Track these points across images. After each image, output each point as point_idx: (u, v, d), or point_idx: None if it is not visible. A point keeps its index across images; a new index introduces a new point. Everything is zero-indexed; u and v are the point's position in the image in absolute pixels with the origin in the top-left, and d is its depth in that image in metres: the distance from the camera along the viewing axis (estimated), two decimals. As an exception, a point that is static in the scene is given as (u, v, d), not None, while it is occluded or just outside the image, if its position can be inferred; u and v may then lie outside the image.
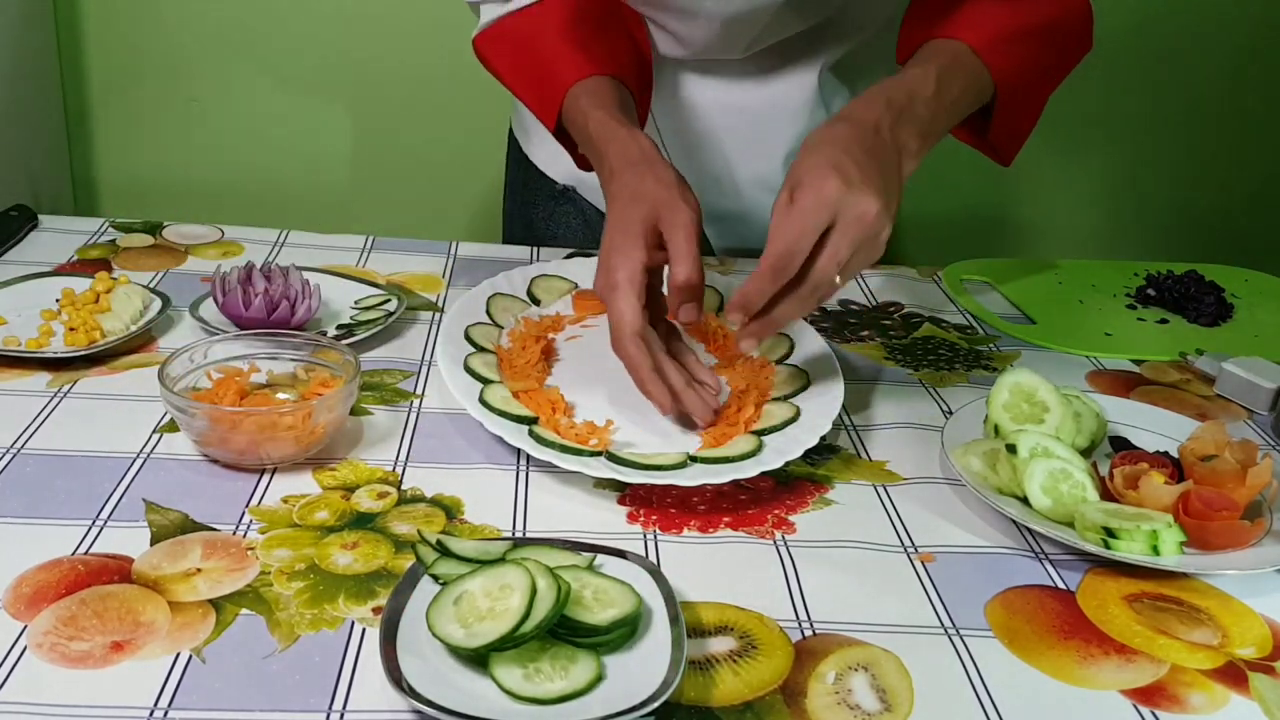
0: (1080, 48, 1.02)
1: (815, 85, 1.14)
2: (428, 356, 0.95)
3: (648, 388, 0.82)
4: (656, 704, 0.56)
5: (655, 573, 0.66)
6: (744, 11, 1.04)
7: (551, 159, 1.24)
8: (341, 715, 0.57)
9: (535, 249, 1.20)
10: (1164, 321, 1.15)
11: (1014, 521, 0.77)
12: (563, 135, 0.99)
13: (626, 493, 0.78)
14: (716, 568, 0.71)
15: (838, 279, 0.78)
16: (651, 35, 1.13)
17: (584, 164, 1.01)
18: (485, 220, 1.90)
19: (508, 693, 0.57)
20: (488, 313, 0.95)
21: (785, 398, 0.87)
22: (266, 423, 0.74)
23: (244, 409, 0.75)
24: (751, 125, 1.17)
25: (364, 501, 0.75)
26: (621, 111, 0.93)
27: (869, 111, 0.84)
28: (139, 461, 0.77)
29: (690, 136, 1.18)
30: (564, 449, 0.77)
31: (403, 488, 0.77)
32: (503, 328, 0.94)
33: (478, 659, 0.59)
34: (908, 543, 0.75)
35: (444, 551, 0.66)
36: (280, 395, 0.83)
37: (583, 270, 1.03)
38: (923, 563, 0.73)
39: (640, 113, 1.03)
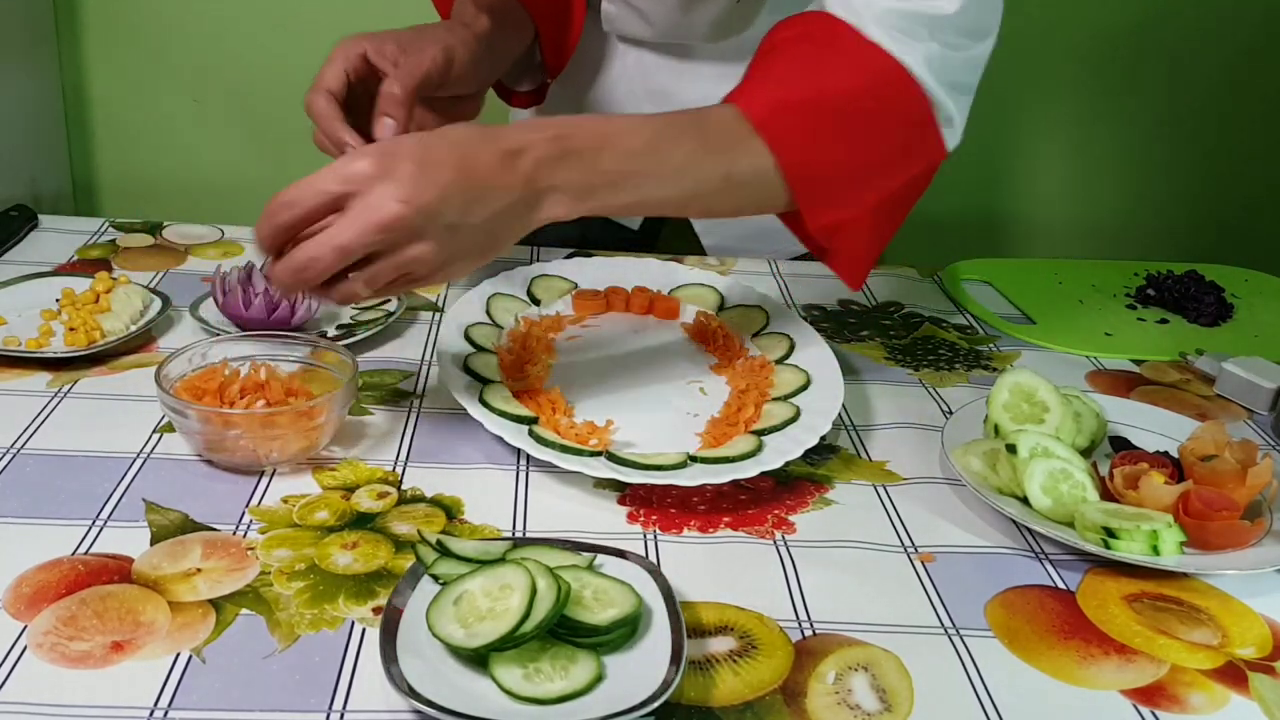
0: (916, 144, 0.83)
1: None
2: (428, 356, 0.95)
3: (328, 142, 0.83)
4: (656, 704, 0.56)
5: (655, 573, 0.66)
6: None
7: None
8: (341, 715, 0.57)
9: (535, 249, 1.20)
10: (1164, 321, 1.15)
11: (1014, 521, 0.77)
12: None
13: (626, 493, 0.78)
14: (716, 568, 0.71)
15: (356, 282, 0.69)
16: (620, 15, 1.11)
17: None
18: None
19: (508, 693, 0.57)
20: (488, 313, 0.95)
21: (785, 398, 0.87)
22: (262, 425, 0.74)
23: (238, 411, 0.75)
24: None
25: (364, 501, 0.75)
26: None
27: (525, 134, 0.72)
28: (139, 461, 0.77)
29: None
30: (564, 449, 0.77)
31: (403, 488, 0.77)
32: (503, 328, 0.94)
33: (478, 659, 0.59)
34: (908, 543, 0.75)
35: (444, 551, 0.66)
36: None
37: (583, 270, 1.04)
38: (923, 563, 0.73)
39: (550, 46, 1.05)
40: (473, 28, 0.94)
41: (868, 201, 0.84)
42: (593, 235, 1.22)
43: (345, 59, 0.86)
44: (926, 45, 0.79)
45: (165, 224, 1.19)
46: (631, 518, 0.75)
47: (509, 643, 0.58)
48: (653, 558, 0.71)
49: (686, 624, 0.63)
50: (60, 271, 1.05)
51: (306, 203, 0.67)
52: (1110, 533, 0.72)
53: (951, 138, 0.84)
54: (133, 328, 0.92)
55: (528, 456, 0.80)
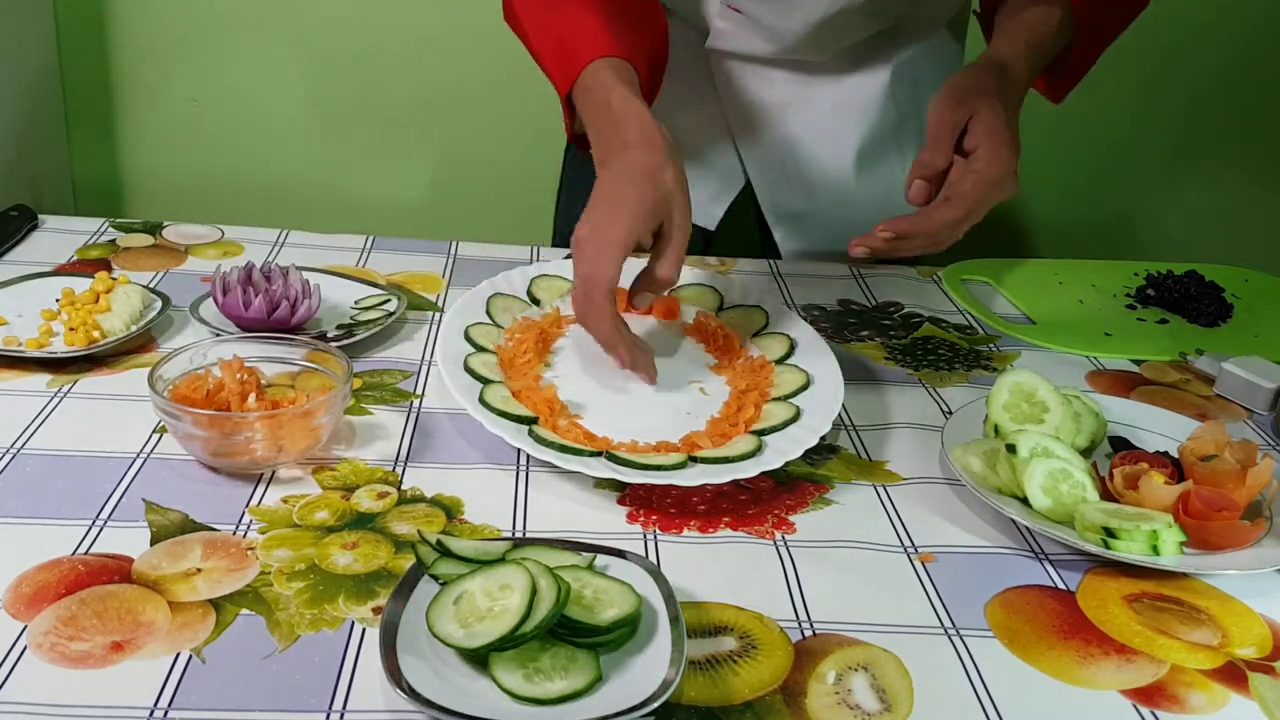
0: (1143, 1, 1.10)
1: (886, 83, 1.16)
2: (428, 356, 0.95)
3: (613, 344, 0.85)
4: (656, 704, 0.56)
5: (655, 573, 0.66)
6: (837, 9, 1.07)
7: None
8: (341, 715, 0.57)
9: (535, 249, 1.20)
10: (1164, 321, 1.15)
11: (1014, 521, 0.77)
12: (569, 108, 0.98)
13: (626, 493, 0.78)
14: (716, 568, 0.71)
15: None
16: (734, 33, 1.13)
17: (579, 142, 1.01)
18: (485, 219, 1.90)
19: (508, 693, 0.57)
20: (488, 313, 0.95)
21: (785, 398, 0.87)
22: (254, 429, 0.74)
23: (232, 414, 0.75)
24: (822, 124, 1.18)
25: (364, 501, 0.75)
26: (639, 94, 0.93)
27: (1021, 69, 0.96)
28: (139, 461, 0.77)
29: (763, 135, 1.19)
30: (564, 449, 0.77)
31: (403, 488, 0.77)
32: (503, 328, 0.94)
33: (478, 659, 0.59)
34: (908, 543, 0.75)
35: (444, 551, 0.66)
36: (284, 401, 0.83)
37: (583, 270, 1.03)
38: (923, 563, 0.73)
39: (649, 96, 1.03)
40: (656, 142, 0.89)
41: (1109, 41, 1.10)
42: None
43: (624, 247, 0.82)
44: None
45: (165, 224, 1.19)
46: (631, 518, 0.75)
47: (509, 643, 0.58)
48: (653, 558, 0.71)
49: (686, 624, 0.63)
50: (60, 271, 1.05)
51: (988, 205, 0.92)
52: (1110, 533, 0.72)
53: None
54: (133, 328, 0.92)
55: (528, 456, 0.80)
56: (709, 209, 1.25)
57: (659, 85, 1.07)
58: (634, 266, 1.05)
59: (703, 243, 1.29)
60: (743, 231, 1.31)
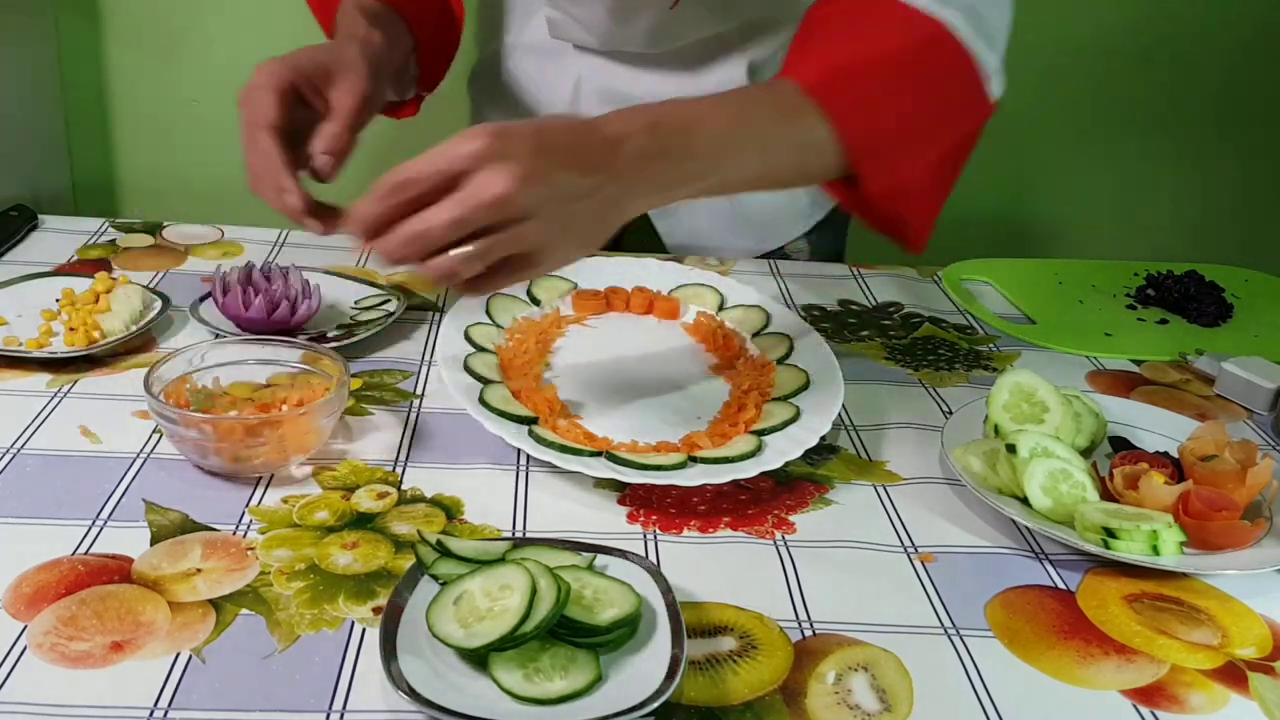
0: (967, 101, 0.84)
1: (744, 79, 1.14)
2: (428, 356, 0.95)
3: (262, 187, 0.83)
4: (656, 704, 0.56)
5: (655, 573, 0.66)
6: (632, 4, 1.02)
7: None
8: (341, 715, 0.57)
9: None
10: (1164, 321, 1.15)
11: (1014, 521, 0.77)
12: None
13: (626, 493, 0.78)
14: (716, 568, 0.71)
15: (469, 251, 0.68)
16: (562, 22, 1.13)
17: None
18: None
19: (508, 693, 0.57)
20: (488, 313, 0.95)
21: (785, 398, 0.87)
22: (247, 433, 0.74)
23: (223, 417, 0.75)
24: None
25: (364, 501, 0.75)
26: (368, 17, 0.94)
27: (617, 123, 0.72)
28: (139, 461, 0.77)
29: None
30: (564, 449, 0.77)
31: (403, 488, 0.77)
32: (503, 328, 0.94)
33: (478, 659, 0.59)
34: (908, 543, 0.75)
35: (444, 551, 0.66)
36: (281, 403, 0.83)
37: (583, 270, 1.03)
38: (923, 563, 0.73)
39: (427, 60, 1.05)
40: (369, 43, 0.93)
41: (925, 162, 0.85)
42: None
43: (276, 88, 0.83)
44: (961, 4, 0.82)
45: (165, 224, 1.19)
46: (631, 518, 0.75)
47: (509, 643, 0.58)
48: (653, 558, 0.71)
49: (686, 624, 0.63)
50: (60, 271, 1.05)
51: (422, 182, 0.67)
52: (1110, 533, 0.72)
53: (996, 90, 0.85)
54: (133, 328, 0.92)
55: (528, 456, 0.80)
56: None
57: (443, 39, 1.07)
58: (636, 267, 1.05)
59: (611, 242, 1.27)
60: (641, 228, 1.29)
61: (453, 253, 0.68)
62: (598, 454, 0.78)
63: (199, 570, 0.67)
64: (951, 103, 0.85)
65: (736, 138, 0.76)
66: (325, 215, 0.84)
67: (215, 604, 0.64)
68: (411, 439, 0.83)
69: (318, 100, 0.88)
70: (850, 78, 0.79)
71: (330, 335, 0.95)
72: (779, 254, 1.26)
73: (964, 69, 0.82)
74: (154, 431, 0.80)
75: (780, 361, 0.93)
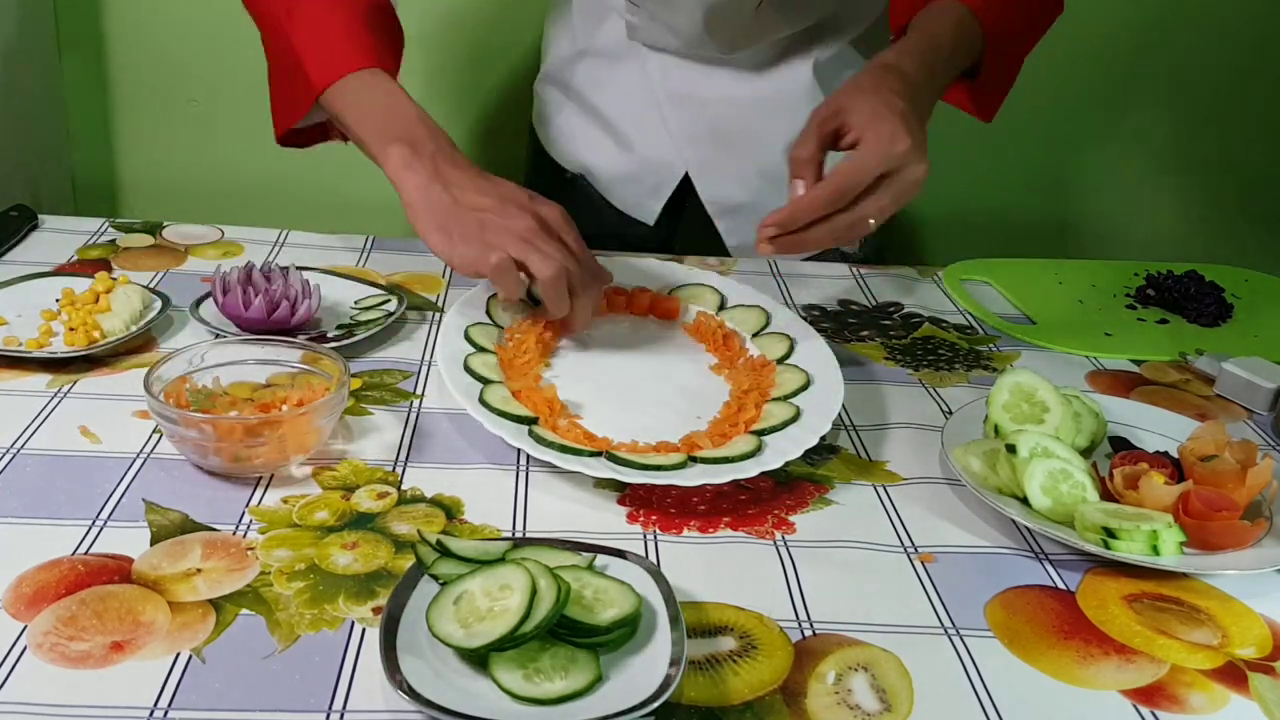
0: (1055, 6, 1.10)
1: (811, 78, 1.18)
2: (428, 356, 0.95)
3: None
4: (656, 704, 0.56)
5: (655, 573, 0.66)
6: (722, 3, 1.07)
7: (562, 144, 1.27)
8: (341, 715, 0.57)
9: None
10: (1164, 321, 1.15)
11: (1014, 521, 0.77)
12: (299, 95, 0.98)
13: (626, 493, 0.78)
14: (716, 568, 0.71)
15: (872, 222, 0.86)
16: (645, 26, 1.16)
17: (295, 137, 1.05)
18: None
19: (508, 693, 0.57)
20: (488, 313, 0.95)
21: (785, 398, 0.87)
22: (248, 433, 0.74)
23: (223, 417, 0.75)
24: (753, 117, 1.20)
25: (364, 501, 0.75)
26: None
27: (912, 66, 0.91)
28: (139, 461, 0.77)
29: (697, 129, 1.21)
30: (564, 449, 0.77)
31: (403, 488, 0.77)
32: (503, 328, 0.94)
33: (478, 659, 0.59)
34: (908, 543, 0.75)
35: (444, 551, 0.66)
36: (281, 403, 0.83)
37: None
38: (923, 563, 0.73)
39: None
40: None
41: (1023, 58, 1.09)
42: (604, 224, 1.26)
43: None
44: None
45: (165, 224, 1.19)
46: (631, 518, 0.75)
47: (509, 643, 0.58)
48: (653, 558, 0.71)
49: (686, 624, 0.63)
50: (60, 271, 1.05)
51: (867, 181, 0.85)
52: (1110, 533, 0.72)
53: None
54: (133, 328, 0.92)
55: (528, 456, 0.80)
56: (647, 204, 1.27)
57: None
58: (636, 267, 1.05)
59: (659, 241, 1.30)
60: (696, 228, 1.31)
61: (864, 221, 0.86)
62: (598, 454, 0.77)
63: (199, 570, 0.67)
64: (1053, 9, 1.11)
65: (954, 57, 0.98)
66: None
67: (215, 604, 0.64)
68: (411, 439, 0.83)
69: None
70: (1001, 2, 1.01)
71: (330, 335, 0.95)
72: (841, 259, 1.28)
73: None
74: (154, 431, 0.80)
75: (780, 361, 0.93)
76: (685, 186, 1.27)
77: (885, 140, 0.84)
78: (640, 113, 1.24)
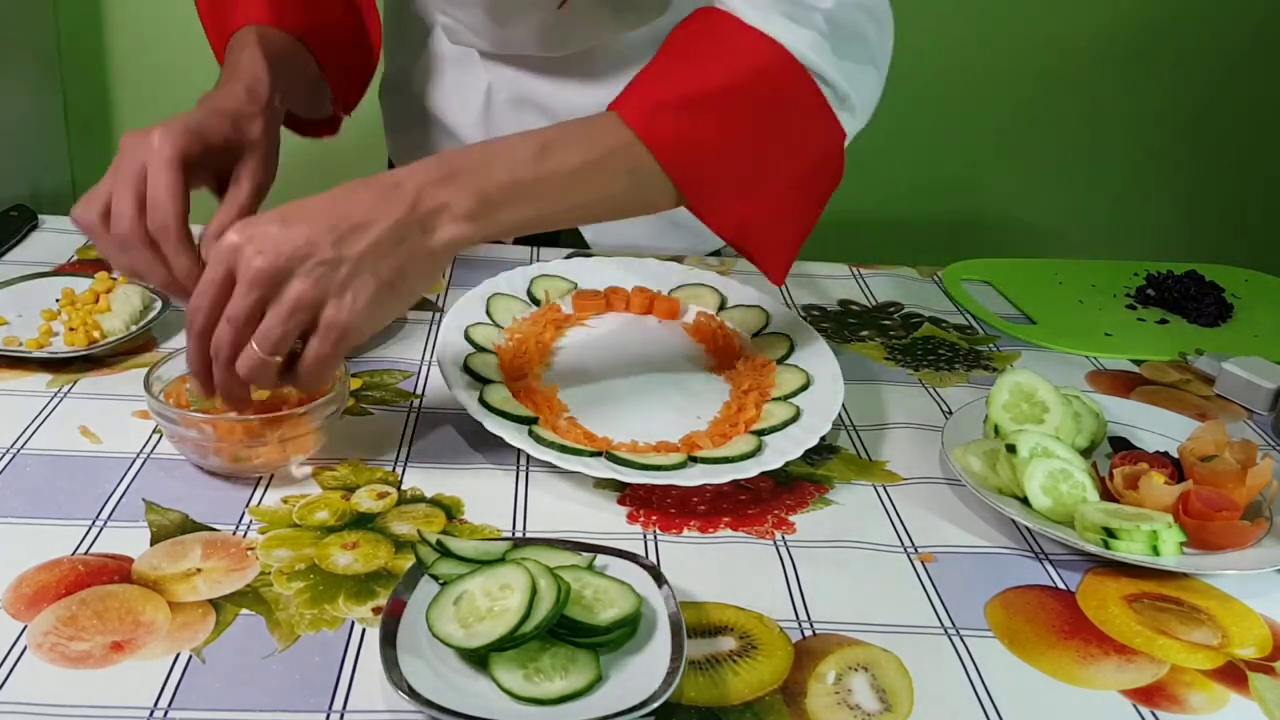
0: (809, 125, 0.81)
1: None
2: (428, 356, 0.95)
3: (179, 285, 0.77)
4: (656, 704, 0.56)
5: (655, 573, 0.66)
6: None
7: (413, 154, 1.24)
8: (341, 715, 0.57)
9: (535, 249, 1.20)
10: (1164, 321, 1.15)
11: (1014, 521, 0.77)
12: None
13: (626, 493, 0.78)
14: (716, 568, 0.71)
15: (252, 348, 0.69)
16: (454, 29, 1.11)
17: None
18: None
19: (508, 693, 0.57)
20: (488, 313, 0.95)
21: (785, 398, 0.87)
22: (248, 433, 0.74)
23: (223, 417, 0.75)
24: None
25: (364, 501, 0.75)
26: (269, 56, 0.88)
27: (407, 168, 0.72)
28: (139, 461, 0.77)
29: None
30: (564, 449, 0.77)
31: (403, 488, 0.77)
32: (503, 328, 0.94)
33: (478, 659, 0.59)
34: (908, 543, 0.75)
35: (444, 551, 0.66)
36: (280, 403, 0.83)
37: (583, 270, 1.03)
38: (923, 563, 0.73)
39: (340, 82, 1.03)
40: (258, 99, 0.86)
41: (768, 194, 0.82)
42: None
43: (180, 160, 0.77)
44: (814, 27, 0.78)
45: (165, 224, 1.19)
46: (631, 518, 0.75)
47: (509, 643, 0.58)
48: (653, 558, 0.71)
49: (686, 624, 0.63)
50: (60, 271, 1.05)
51: (205, 301, 0.69)
52: (1110, 533, 0.72)
53: (850, 119, 0.82)
54: (133, 328, 0.92)
55: (528, 456, 0.80)
56: None
57: (353, 56, 1.04)
58: (636, 267, 1.05)
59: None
60: (571, 235, 1.28)
61: (244, 353, 0.68)
62: (598, 454, 0.78)
63: (199, 570, 0.67)
64: (792, 132, 0.81)
65: (542, 169, 0.74)
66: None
67: (215, 604, 0.64)
68: (411, 439, 0.83)
69: (207, 170, 0.83)
70: (675, 112, 0.77)
71: (330, 335, 0.95)
72: (715, 255, 1.24)
73: (806, 95, 0.79)
74: (154, 431, 0.80)
75: (780, 361, 0.93)
76: None
77: (217, 243, 0.69)
78: (481, 120, 1.18)
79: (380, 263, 0.70)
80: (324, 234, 0.68)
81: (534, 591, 0.59)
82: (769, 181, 0.82)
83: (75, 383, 0.86)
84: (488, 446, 0.81)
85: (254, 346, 0.68)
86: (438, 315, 1.03)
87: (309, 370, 0.71)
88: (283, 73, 0.91)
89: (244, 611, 0.64)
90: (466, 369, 0.86)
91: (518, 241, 1.25)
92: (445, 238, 0.72)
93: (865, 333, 1.07)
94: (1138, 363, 1.06)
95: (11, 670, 0.58)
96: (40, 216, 1.16)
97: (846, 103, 0.81)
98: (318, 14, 0.99)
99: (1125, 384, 1.01)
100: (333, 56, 1.01)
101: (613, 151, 0.76)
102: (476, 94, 1.17)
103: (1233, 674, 0.66)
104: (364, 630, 0.63)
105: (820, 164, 0.84)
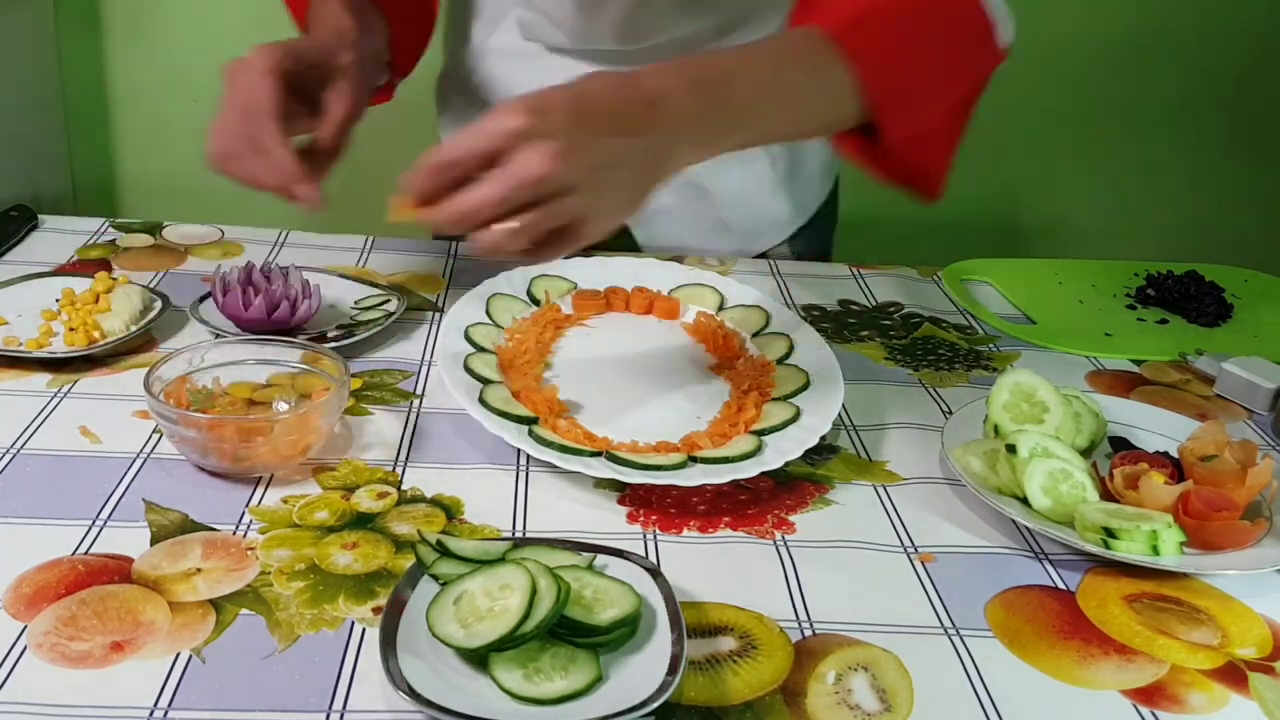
0: (979, 47, 0.87)
1: None
2: (428, 356, 0.95)
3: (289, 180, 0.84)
4: (656, 704, 0.56)
5: (655, 573, 0.66)
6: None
7: None
8: (341, 715, 0.57)
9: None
10: (1164, 321, 1.15)
11: (1014, 521, 0.77)
12: None
13: (626, 493, 0.78)
14: (716, 568, 0.71)
15: (514, 226, 0.68)
16: (534, 21, 1.13)
17: None
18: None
19: (508, 693, 0.57)
20: (488, 313, 0.95)
21: (785, 398, 0.87)
22: (250, 432, 0.74)
23: (223, 417, 0.75)
24: None
25: (364, 501, 0.75)
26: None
27: (654, 78, 0.72)
28: (139, 461, 0.77)
29: None
30: (564, 449, 0.77)
31: (403, 488, 0.77)
32: (503, 328, 0.94)
33: (478, 659, 0.59)
34: (908, 543, 0.75)
35: (444, 551, 0.66)
36: (279, 403, 0.83)
37: (583, 270, 1.03)
38: (923, 563, 0.73)
39: (401, 46, 1.06)
40: (358, 45, 0.93)
41: (941, 108, 0.87)
42: None
43: (276, 73, 0.84)
44: None
45: (165, 224, 1.19)
46: (631, 518, 0.75)
47: (509, 643, 0.58)
48: (653, 558, 0.71)
49: (686, 624, 0.63)
50: (60, 271, 1.05)
51: (463, 163, 0.69)
52: (1110, 533, 0.72)
53: (1006, 36, 0.87)
54: (133, 328, 0.92)
55: (528, 456, 0.80)
56: None
57: (416, 30, 1.08)
58: (636, 267, 1.05)
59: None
60: (619, 236, 1.29)
61: (496, 228, 0.68)
62: (598, 454, 0.78)
63: (199, 570, 0.67)
64: (967, 49, 0.87)
65: (772, 88, 0.76)
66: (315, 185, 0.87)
67: (215, 604, 0.64)
68: (411, 439, 0.83)
69: (304, 98, 0.89)
70: (871, 25, 0.80)
71: (330, 335, 0.95)
72: (762, 257, 1.25)
73: (976, 17, 0.85)
74: (154, 431, 0.80)
75: (780, 361, 0.93)
76: None
77: (495, 116, 0.68)
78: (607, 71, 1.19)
79: (639, 182, 0.72)
80: (606, 146, 0.69)
81: (534, 591, 0.59)
82: (943, 96, 0.87)
83: (75, 383, 0.86)
84: (488, 446, 0.81)
85: (500, 233, 0.69)
86: (438, 315, 1.03)
87: (539, 259, 0.73)
88: (363, 26, 0.95)
89: (244, 611, 0.64)
90: (466, 369, 0.86)
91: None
92: (684, 162, 0.74)
93: (865, 333, 1.07)
94: (1138, 363, 1.06)
95: (11, 670, 0.58)
96: (40, 216, 1.16)
97: (1003, 23, 0.87)
98: None
99: (1125, 384, 1.01)
100: (400, 20, 1.04)
101: (821, 65, 0.78)
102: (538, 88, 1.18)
103: (1233, 674, 0.66)
104: (364, 630, 0.63)
105: (979, 84, 0.89)
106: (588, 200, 0.69)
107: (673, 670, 0.58)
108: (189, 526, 0.71)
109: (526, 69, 1.17)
